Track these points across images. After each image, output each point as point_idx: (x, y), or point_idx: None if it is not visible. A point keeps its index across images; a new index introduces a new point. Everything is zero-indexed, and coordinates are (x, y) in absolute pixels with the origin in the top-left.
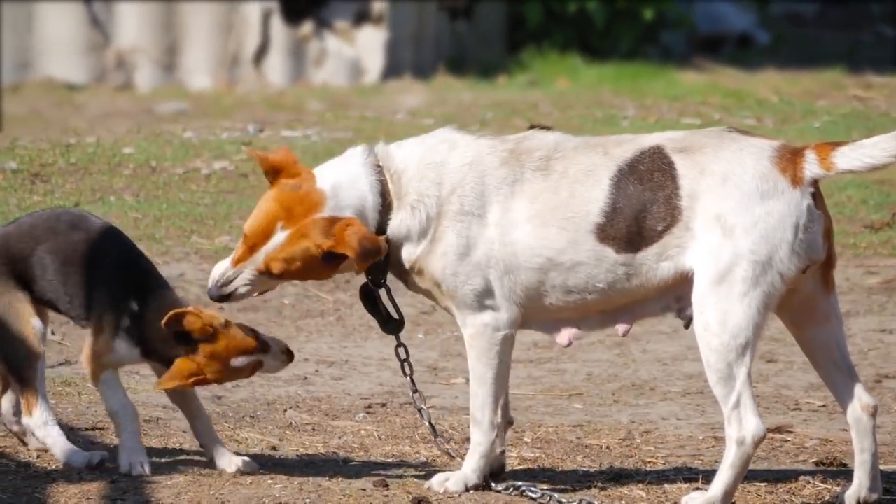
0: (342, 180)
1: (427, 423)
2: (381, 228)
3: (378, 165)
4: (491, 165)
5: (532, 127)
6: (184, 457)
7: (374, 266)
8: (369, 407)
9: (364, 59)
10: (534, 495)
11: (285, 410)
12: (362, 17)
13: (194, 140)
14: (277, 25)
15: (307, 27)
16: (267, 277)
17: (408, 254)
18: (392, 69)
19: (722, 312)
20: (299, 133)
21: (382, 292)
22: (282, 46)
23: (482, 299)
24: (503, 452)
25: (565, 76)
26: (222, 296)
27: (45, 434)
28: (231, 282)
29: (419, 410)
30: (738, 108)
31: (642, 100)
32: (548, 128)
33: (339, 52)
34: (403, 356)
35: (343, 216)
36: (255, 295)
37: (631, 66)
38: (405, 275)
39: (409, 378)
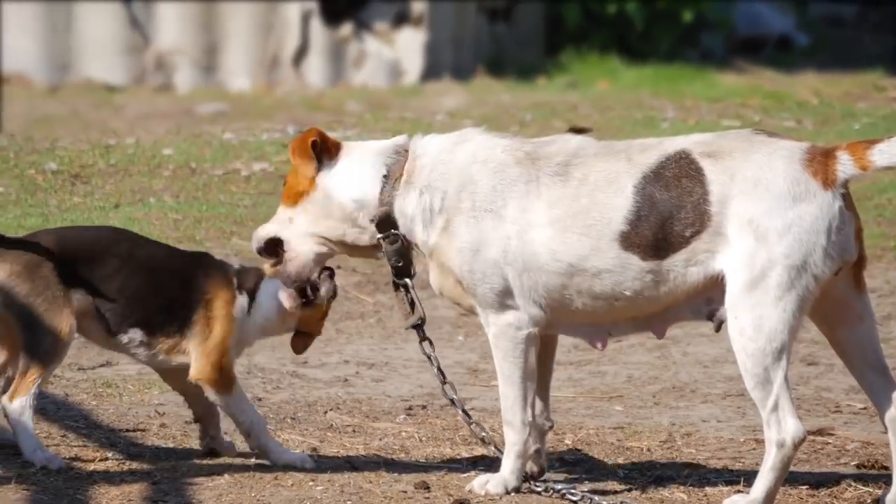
0: (362, 144)
1: (460, 412)
2: (385, 200)
3: (405, 149)
4: (504, 163)
5: (571, 129)
6: (226, 458)
7: (395, 252)
8: (410, 409)
9: (403, 60)
10: (574, 497)
11: (326, 412)
12: (402, 18)
13: (234, 141)
14: (317, 27)
15: (346, 28)
16: (288, 212)
17: (421, 239)
18: (431, 70)
19: (757, 317)
20: (339, 134)
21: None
22: (321, 48)
23: (502, 298)
24: (538, 451)
25: (604, 78)
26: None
27: (16, 422)
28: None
29: (451, 402)
30: (778, 110)
31: (682, 101)
32: (587, 130)
33: (379, 54)
34: (429, 351)
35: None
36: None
37: (670, 68)
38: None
39: (436, 369)
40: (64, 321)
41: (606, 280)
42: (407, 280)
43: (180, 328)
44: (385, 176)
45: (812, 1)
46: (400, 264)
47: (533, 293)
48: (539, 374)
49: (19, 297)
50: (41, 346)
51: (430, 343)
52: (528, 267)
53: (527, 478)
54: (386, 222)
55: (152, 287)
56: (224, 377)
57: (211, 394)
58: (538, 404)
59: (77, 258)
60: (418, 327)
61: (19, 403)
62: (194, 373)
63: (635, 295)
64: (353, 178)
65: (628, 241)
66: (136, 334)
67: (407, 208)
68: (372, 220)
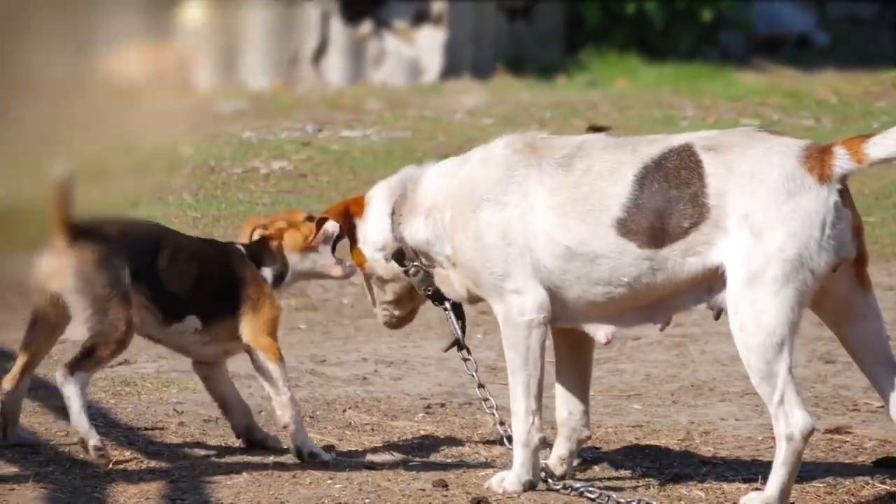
0: (377, 189)
1: (498, 425)
2: (397, 236)
3: (404, 183)
4: (503, 155)
5: (590, 128)
6: (243, 456)
7: (421, 281)
8: (428, 407)
9: (423, 58)
10: (592, 496)
11: (344, 410)
12: (421, 16)
13: (253, 140)
14: (336, 25)
15: (366, 27)
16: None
17: (446, 255)
18: (451, 69)
19: (756, 313)
20: (358, 133)
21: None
22: (340, 46)
23: (504, 282)
24: (569, 455)
25: (624, 76)
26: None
27: (75, 396)
28: None
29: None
30: (797, 109)
31: (701, 100)
32: (606, 128)
33: (398, 52)
34: (473, 369)
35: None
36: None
37: (689, 67)
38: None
39: (477, 386)
40: (134, 314)
41: (604, 266)
42: (446, 303)
43: (231, 313)
44: (392, 213)
45: (831, 0)
46: (430, 292)
47: (535, 270)
48: (578, 374)
49: (96, 286)
50: (112, 335)
51: (475, 365)
52: (529, 246)
53: (546, 478)
54: (400, 257)
55: (204, 274)
56: (277, 346)
57: (263, 360)
58: (578, 406)
59: (140, 248)
60: (459, 348)
61: (82, 377)
62: (250, 338)
63: (633, 281)
64: (372, 229)
65: (625, 228)
66: (192, 322)
67: (419, 235)
68: (387, 260)
